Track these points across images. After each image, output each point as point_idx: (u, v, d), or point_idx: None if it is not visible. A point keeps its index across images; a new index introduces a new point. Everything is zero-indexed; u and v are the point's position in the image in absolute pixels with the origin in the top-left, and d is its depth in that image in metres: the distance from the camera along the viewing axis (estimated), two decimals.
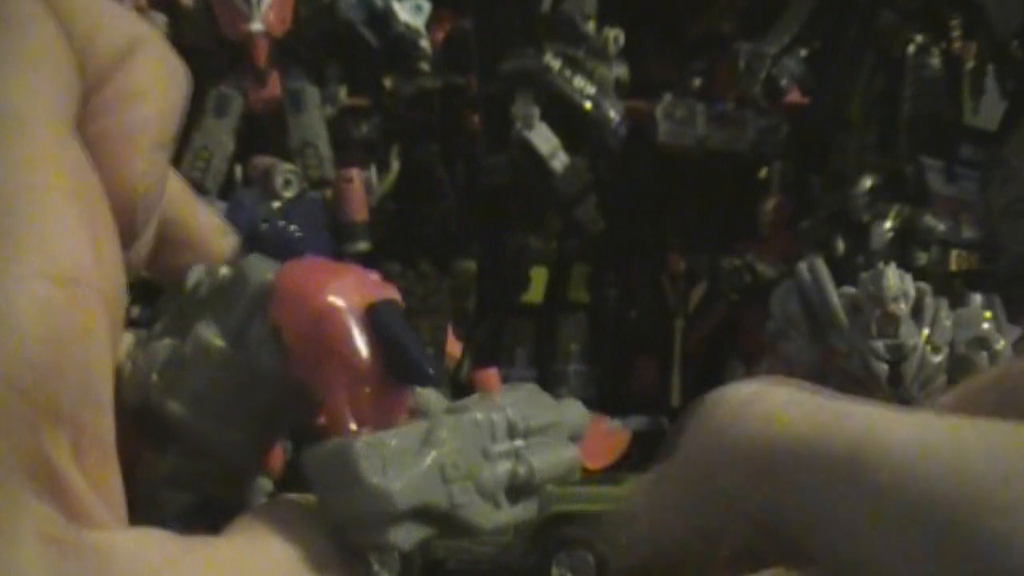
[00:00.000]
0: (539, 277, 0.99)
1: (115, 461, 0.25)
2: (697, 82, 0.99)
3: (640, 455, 0.83)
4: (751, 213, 0.97)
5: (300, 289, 0.30)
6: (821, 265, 0.75)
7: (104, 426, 0.25)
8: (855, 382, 0.71)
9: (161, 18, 0.96)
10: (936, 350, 0.72)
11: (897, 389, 0.71)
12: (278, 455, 0.33)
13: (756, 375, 0.87)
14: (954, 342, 0.73)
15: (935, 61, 0.92)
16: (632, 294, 1.02)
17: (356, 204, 0.94)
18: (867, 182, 0.90)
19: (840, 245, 0.89)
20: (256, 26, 0.93)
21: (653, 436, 0.85)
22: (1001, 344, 0.74)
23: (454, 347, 0.93)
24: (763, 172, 0.99)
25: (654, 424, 0.86)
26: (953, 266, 0.89)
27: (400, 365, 0.30)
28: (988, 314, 0.76)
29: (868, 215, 0.89)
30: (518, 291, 0.98)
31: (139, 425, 0.32)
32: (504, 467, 0.32)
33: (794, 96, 0.96)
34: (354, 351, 0.29)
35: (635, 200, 1.01)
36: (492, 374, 0.34)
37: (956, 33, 0.92)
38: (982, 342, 0.74)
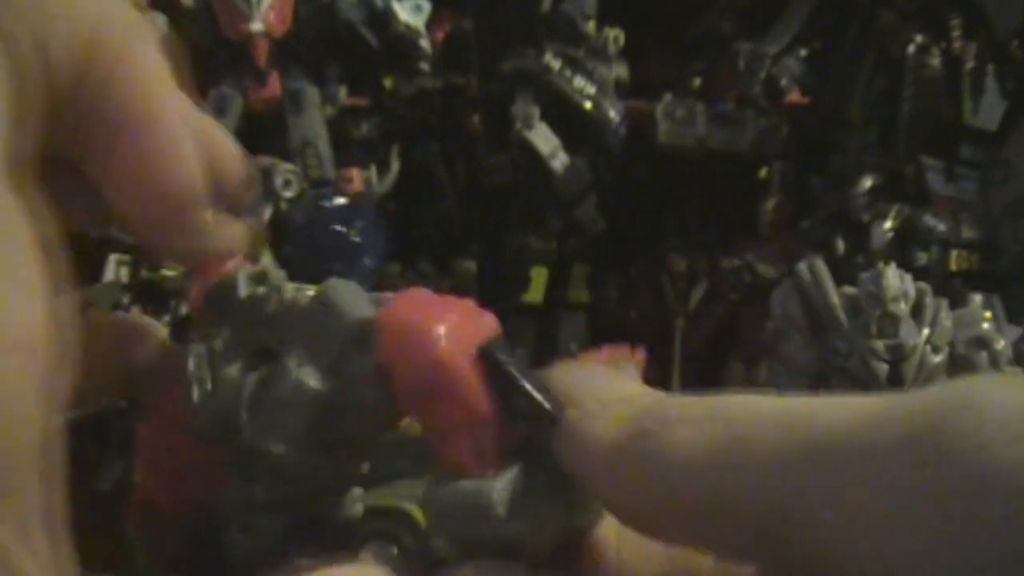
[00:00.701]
0: (539, 277, 0.99)
1: (66, 537, 0.23)
2: (697, 82, 0.99)
3: None
4: (751, 213, 0.97)
5: (411, 332, 0.30)
6: (821, 265, 0.75)
7: (53, 502, 0.23)
8: (855, 382, 0.71)
9: (161, 18, 0.96)
10: (936, 350, 0.72)
11: (897, 389, 0.71)
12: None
13: (756, 375, 0.87)
14: (954, 342, 0.73)
15: (935, 61, 0.92)
16: (632, 294, 1.02)
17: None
18: (867, 182, 0.90)
19: (840, 245, 0.89)
20: (256, 26, 0.93)
21: None
22: (1001, 344, 0.74)
23: None
24: (763, 172, 0.99)
25: None
26: (953, 266, 0.89)
27: (521, 407, 0.29)
28: (988, 314, 0.76)
29: (868, 215, 0.89)
30: (518, 291, 0.98)
31: (224, 453, 0.32)
32: None
33: (794, 96, 0.96)
34: (475, 398, 0.29)
35: (635, 200, 1.01)
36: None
37: (956, 33, 0.92)
38: (982, 342, 0.74)
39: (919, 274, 0.77)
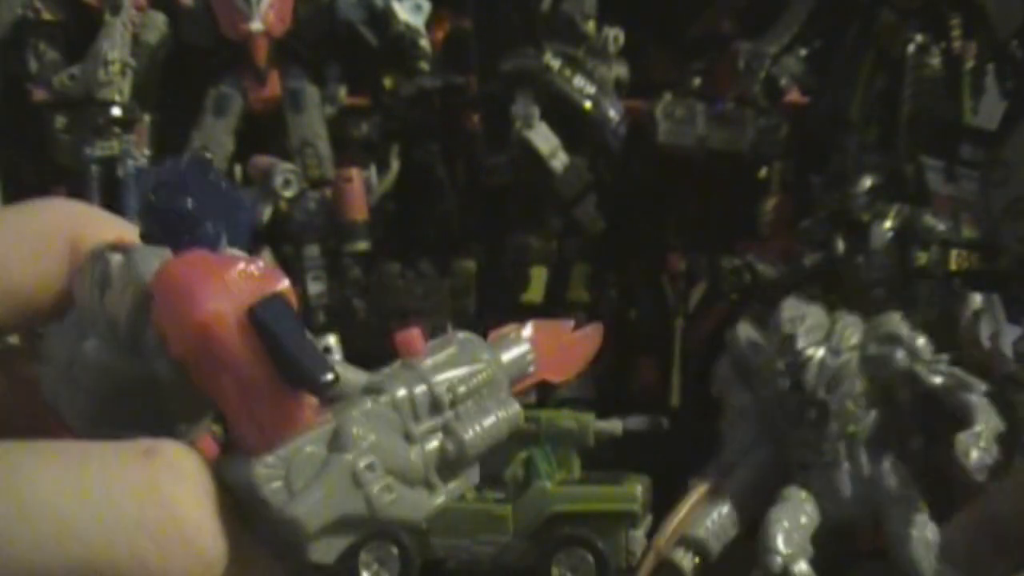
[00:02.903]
0: (539, 277, 0.99)
1: None
2: (697, 82, 0.99)
3: (640, 455, 0.83)
4: (751, 213, 0.97)
5: (178, 297, 0.27)
6: (750, 329, 0.78)
7: None
8: (787, 415, 0.74)
9: (161, 18, 0.96)
10: (836, 352, 0.73)
11: (803, 394, 0.73)
12: (210, 445, 0.30)
13: None
14: (863, 343, 0.74)
15: (935, 61, 0.92)
16: (632, 294, 1.02)
17: (356, 204, 0.94)
18: (867, 182, 0.90)
19: (840, 245, 0.89)
20: (256, 26, 0.93)
21: (653, 436, 0.85)
22: (920, 342, 0.74)
23: None
24: (763, 172, 0.99)
25: (654, 424, 0.86)
26: (953, 266, 0.89)
27: (288, 372, 0.27)
28: (898, 316, 0.77)
29: (868, 215, 0.89)
30: (518, 291, 0.98)
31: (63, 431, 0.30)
32: (431, 446, 0.30)
33: (794, 96, 0.96)
34: (242, 362, 0.27)
35: (635, 200, 1.01)
36: (414, 336, 0.31)
37: (956, 33, 0.92)
38: (895, 338, 0.74)
39: (919, 274, 0.77)
